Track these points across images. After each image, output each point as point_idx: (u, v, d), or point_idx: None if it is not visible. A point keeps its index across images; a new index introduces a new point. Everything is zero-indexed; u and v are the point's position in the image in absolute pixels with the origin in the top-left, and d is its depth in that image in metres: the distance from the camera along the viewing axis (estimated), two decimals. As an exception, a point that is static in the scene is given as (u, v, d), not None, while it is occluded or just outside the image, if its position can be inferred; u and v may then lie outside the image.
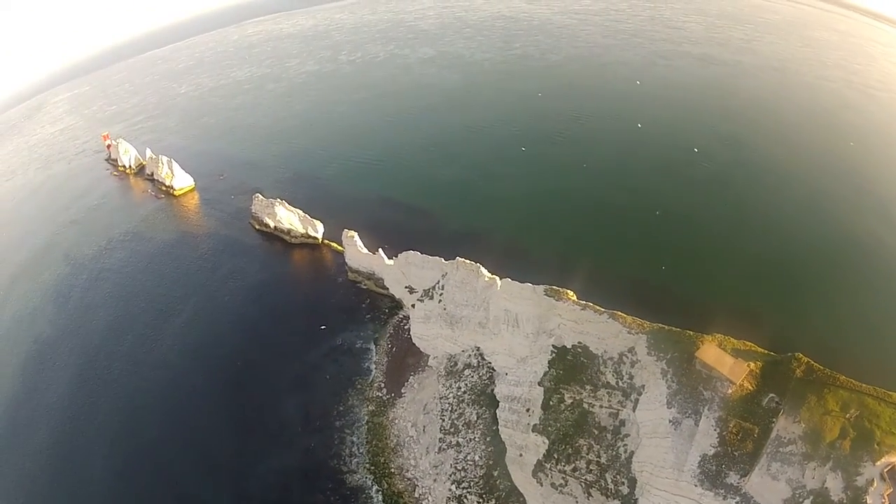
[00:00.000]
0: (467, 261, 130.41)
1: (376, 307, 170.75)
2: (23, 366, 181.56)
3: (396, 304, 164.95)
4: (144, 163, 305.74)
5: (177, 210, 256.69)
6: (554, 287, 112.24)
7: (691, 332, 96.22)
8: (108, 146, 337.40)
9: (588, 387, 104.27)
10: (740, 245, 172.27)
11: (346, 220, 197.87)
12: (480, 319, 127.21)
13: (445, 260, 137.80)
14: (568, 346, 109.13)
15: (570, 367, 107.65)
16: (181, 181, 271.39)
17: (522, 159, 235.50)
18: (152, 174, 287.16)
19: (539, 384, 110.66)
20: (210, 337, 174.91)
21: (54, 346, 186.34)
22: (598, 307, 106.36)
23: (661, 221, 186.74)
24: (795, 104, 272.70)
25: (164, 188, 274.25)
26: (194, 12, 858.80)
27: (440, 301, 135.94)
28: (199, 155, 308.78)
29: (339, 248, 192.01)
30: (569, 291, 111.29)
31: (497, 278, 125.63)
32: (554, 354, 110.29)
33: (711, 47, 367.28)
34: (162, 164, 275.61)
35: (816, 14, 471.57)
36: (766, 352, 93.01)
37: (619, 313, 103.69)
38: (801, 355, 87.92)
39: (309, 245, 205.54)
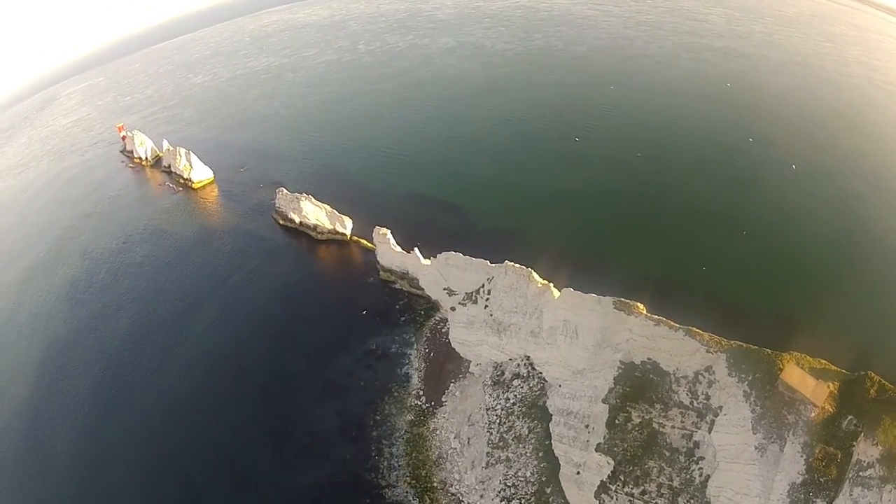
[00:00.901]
0: (517, 265, 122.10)
1: (411, 308, 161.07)
2: (40, 370, 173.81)
3: (432, 306, 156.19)
4: (161, 154, 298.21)
5: (196, 204, 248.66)
6: (623, 300, 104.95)
7: (769, 351, 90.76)
8: (123, 137, 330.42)
9: (658, 406, 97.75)
10: (778, 248, 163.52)
11: (374, 215, 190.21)
12: (532, 328, 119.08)
13: (491, 263, 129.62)
14: (636, 363, 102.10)
15: (637, 384, 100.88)
16: (200, 174, 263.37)
17: (555, 153, 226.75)
18: (169, 166, 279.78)
19: (603, 401, 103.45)
20: (234, 340, 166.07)
21: (72, 350, 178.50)
22: (672, 323, 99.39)
23: (697, 220, 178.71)
24: (821, 101, 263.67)
25: (182, 181, 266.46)
26: (208, 3, 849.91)
27: (486, 306, 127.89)
28: (218, 146, 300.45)
29: (370, 245, 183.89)
30: (639, 304, 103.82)
31: (550, 284, 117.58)
32: (620, 370, 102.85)
33: (734, 40, 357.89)
34: (180, 155, 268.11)
35: (833, 8, 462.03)
36: (838, 370, 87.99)
37: (695, 329, 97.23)
38: (872, 374, 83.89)
39: (336, 241, 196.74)
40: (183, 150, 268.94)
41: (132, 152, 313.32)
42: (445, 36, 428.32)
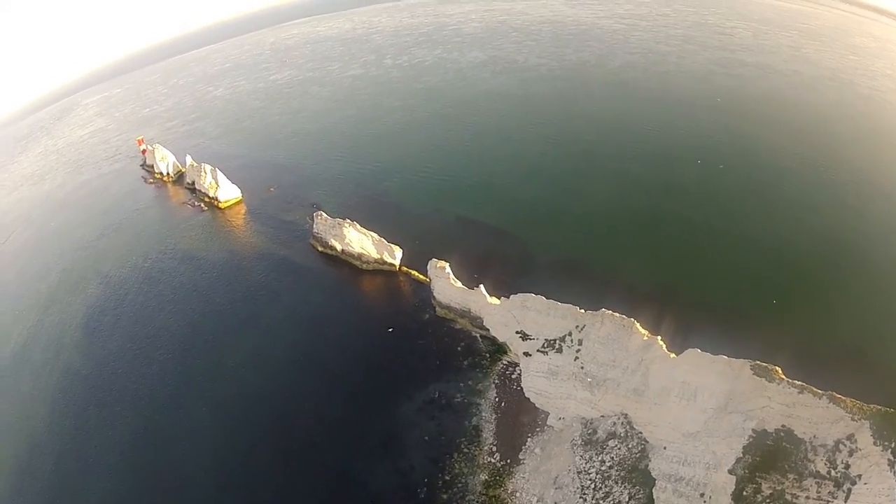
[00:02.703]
0: (617, 314, 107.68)
1: (475, 351, 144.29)
2: (58, 415, 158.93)
3: (499, 348, 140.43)
4: (184, 170, 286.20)
5: (224, 225, 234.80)
6: (760, 363, 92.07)
7: None
8: (144, 151, 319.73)
9: (791, 476, 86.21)
10: (844, 279, 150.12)
11: (421, 243, 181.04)
12: (636, 385, 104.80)
13: (581, 308, 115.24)
14: (769, 431, 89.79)
15: (769, 452, 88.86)
16: (227, 192, 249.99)
17: (608, 174, 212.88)
18: (193, 183, 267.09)
19: (729, 471, 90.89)
20: (274, 384, 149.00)
21: (93, 392, 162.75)
22: (815, 389, 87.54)
23: (757, 249, 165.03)
24: (858, 119, 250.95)
25: (207, 199, 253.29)
26: (227, 16, 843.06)
27: (576, 358, 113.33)
28: (244, 163, 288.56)
29: (421, 277, 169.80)
30: (777, 368, 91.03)
31: (658, 338, 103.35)
32: (752, 439, 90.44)
33: (765, 55, 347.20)
34: (205, 172, 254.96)
35: (852, 19, 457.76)
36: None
37: (837, 395, 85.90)
38: None
39: (383, 272, 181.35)
40: (208, 167, 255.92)
41: (153, 167, 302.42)
42: (475, 50, 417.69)
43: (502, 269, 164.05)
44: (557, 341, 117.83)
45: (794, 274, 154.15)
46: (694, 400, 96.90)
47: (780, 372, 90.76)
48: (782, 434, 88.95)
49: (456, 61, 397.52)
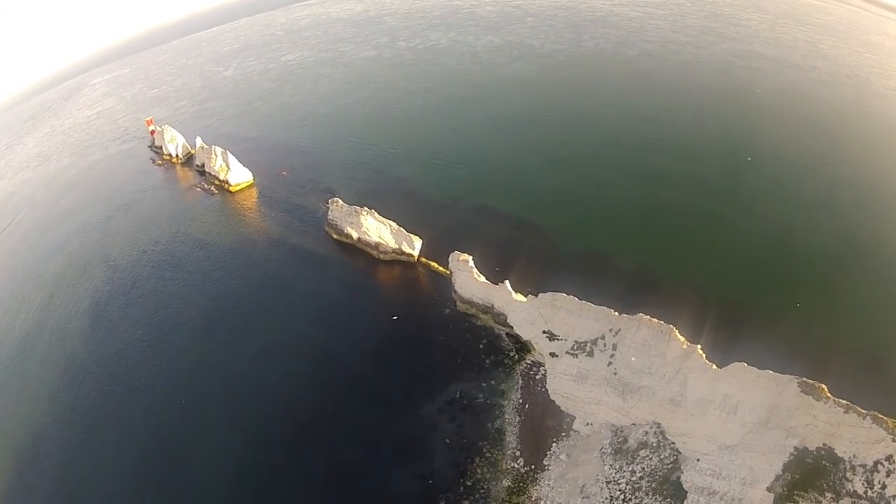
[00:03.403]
0: (654, 319, 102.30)
1: (497, 349, 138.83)
2: (61, 413, 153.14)
3: (523, 346, 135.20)
4: (193, 152, 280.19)
5: (234, 210, 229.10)
6: (808, 381, 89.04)
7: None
8: (152, 132, 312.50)
9: (829, 495, 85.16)
10: (867, 281, 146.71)
11: (441, 233, 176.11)
12: (672, 395, 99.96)
13: (615, 311, 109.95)
14: (811, 449, 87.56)
15: (808, 470, 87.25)
16: (238, 176, 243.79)
17: (631, 166, 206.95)
18: (203, 165, 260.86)
19: (768, 489, 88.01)
20: (287, 380, 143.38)
21: (102, 384, 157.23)
22: (860, 409, 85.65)
23: (779, 250, 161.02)
24: (875, 117, 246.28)
25: (217, 182, 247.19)
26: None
27: (610, 363, 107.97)
28: (255, 146, 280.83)
29: (441, 269, 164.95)
30: (823, 386, 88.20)
31: (697, 347, 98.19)
32: (793, 457, 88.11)
33: (782, 49, 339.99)
34: (215, 155, 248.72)
35: (866, 16, 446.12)
36: None
37: (879, 415, 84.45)
38: None
39: (401, 263, 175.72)
40: (219, 149, 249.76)
41: (161, 148, 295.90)
42: (490, 34, 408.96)
43: (525, 262, 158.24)
44: (588, 344, 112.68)
45: (814, 275, 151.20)
46: (735, 413, 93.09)
47: (826, 390, 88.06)
48: (823, 452, 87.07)
49: (471, 45, 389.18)
